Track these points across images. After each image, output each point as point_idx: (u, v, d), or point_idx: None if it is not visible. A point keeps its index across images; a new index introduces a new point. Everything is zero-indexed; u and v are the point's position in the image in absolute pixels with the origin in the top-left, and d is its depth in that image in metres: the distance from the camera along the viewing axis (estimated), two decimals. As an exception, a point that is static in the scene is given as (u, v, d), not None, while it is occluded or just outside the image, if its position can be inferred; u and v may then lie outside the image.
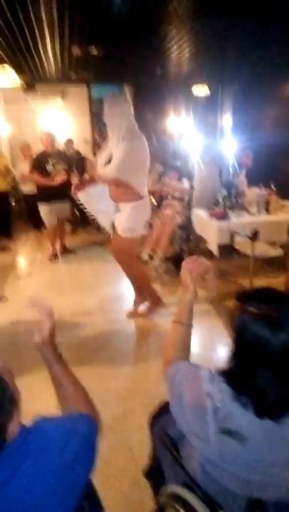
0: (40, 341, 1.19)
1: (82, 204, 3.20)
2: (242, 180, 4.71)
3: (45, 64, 7.33)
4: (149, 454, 1.68)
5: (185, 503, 1.05)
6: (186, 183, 4.52)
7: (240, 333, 0.96)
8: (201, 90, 7.65)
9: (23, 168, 5.69)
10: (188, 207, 4.49)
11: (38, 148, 5.28)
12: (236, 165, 4.88)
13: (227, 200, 3.98)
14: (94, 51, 6.53)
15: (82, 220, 6.19)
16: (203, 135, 6.97)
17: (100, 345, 3.04)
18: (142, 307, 3.45)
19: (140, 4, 4.52)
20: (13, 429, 0.85)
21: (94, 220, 3.36)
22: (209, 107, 9.07)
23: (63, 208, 5.02)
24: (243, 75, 5.43)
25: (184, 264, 1.34)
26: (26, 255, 5.48)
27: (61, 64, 7.40)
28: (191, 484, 1.08)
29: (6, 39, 5.61)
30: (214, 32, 5.68)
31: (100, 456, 0.98)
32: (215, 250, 3.75)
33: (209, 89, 7.75)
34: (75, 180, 4.34)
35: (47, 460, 0.84)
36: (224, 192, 4.02)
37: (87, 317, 3.50)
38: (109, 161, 2.87)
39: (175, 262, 4.37)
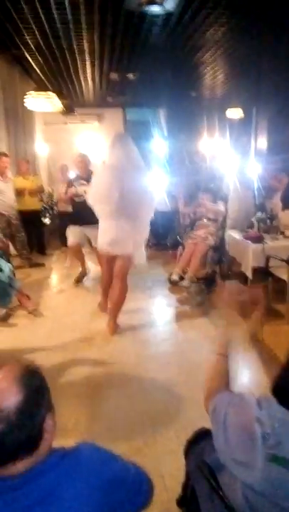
0: None
1: None
2: (276, 203, 4.65)
3: (84, 89, 7.67)
4: (182, 482, 1.64)
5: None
6: (221, 206, 4.51)
7: None
8: (235, 113, 7.71)
9: (61, 188, 5.86)
10: (222, 228, 4.47)
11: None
12: (270, 187, 4.83)
13: (262, 223, 3.94)
14: (131, 77, 6.78)
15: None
16: (237, 157, 6.98)
17: (129, 366, 3.02)
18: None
19: (177, 33, 4.68)
20: (48, 437, 0.85)
21: None
22: (243, 128, 9.10)
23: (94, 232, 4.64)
24: (279, 97, 5.44)
25: (227, 293, 1.33)
26: (59, 272, 5.60)
27: (99, 89, 7.72)
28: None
29: (50, 67, 5.94)
30: (249, 55, 5.77)
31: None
32: (249, 273, 3.69)
33: (243, 110, 7.80)
34: None
35: (86, 484, 0.83)
36: (259, 214, 3.98)
37: (118, 337, 3.51)
38: None
39: (207, 283, 4.34)
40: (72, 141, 9.12)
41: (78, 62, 5.81)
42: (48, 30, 4.42)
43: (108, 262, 3.53)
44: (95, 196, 3.41)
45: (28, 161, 5.91)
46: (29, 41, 4.78)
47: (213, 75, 6.94)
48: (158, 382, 2.77)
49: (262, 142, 6.12)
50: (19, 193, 5.55)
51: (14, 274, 4.16)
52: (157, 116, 10.08)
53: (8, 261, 4.34)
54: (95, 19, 4.13)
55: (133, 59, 5.75)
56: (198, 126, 9.22)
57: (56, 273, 5.55)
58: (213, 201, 4.61)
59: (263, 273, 3.76)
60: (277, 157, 5.05)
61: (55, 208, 6.89)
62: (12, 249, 5.44)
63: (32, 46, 4.96)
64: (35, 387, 0.84)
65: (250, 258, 3.67)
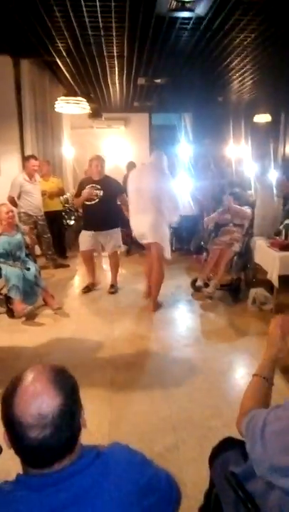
0: None
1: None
2: (304, 209, 4.56)
3: (112, 94, 7.77)
4: (204, 490, 1.62)
5: None
6: (247, 211, 4.46)
7: None
8: (262, 118, 7.62)
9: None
10: (248, 234, 4.42)
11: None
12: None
13: (289, 230, 3.86)
14: (158, 82, 6.82)
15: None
16: (264, 162, 6.89)
17: (152, 370, 3.02)
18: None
19: (207, 38, 4.68)
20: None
21: None
22: (270, 134, 8.98)
23: (108, 237, 4.53)
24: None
25: (277, 319, 1.31)
26: (83, 274, 5.66)
27: (126, 94, 7.80)
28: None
29: (79, 72, 6.05)
30: (279, 61, 5.70)
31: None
32: (275, 281, 3.62)
33: (271, 116, 7.70)
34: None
35: (118, 489, 0.82)
36: (288, 222, 3.91)
37: (141, 340, 3.51)
38: None
39: (232, 290, 4.28)
40: (98, 145, 9.24)
41: (107, 68, 5.89)
42: (79, 37, 4.51)
43: (147, 249, 4.30)
44: (132, 194, 4.05)
45: (49, 162, 5.95)
46: (61, 48, 4.89)
47: (242, 80, 6.89)
48: (181, 388, 2.75)
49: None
50: (43, 194, 5.66)
51: (40, 274, 4.24)
52: (183, 120, 10.08)
53: (35, 261, 4.44)
54: (126, 25, 4.17)
55: (161, 64, 5.78)
56: (224, 131, 9.15)
57: (80, 274, 5.62)
58: (240, 206, 4.56)
59: (289, 281, 3.69)
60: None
61: (79, 210, 6.97)
62: (37, 250, 5.55)
63: (63, 52, 5.07)
64: (70, 385, 0.84)
65: (276, 266, 3.60)
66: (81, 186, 4.48)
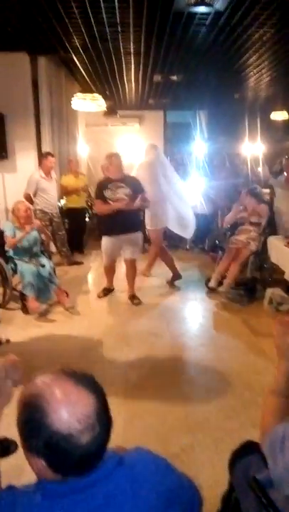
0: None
1: None
2: None
3: (127, 91, 7.74)
4: (221, 494, 1.58)
5: None
6: (264, 209, 4.38)
7: None
8: (280, 115, 7.49)
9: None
10: (265, 233, 4.34)
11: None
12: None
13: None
14: (174, 78, 6.76)
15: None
16: (281, 160, 6.77)
17: (166, 369, 2.99)
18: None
19: (225, 34, 4.60)
20: None
21: None
22: (287, 132, 8.83)
23: (130, 241, 4.11)
24: None
25: (278, 325, 1.22)
26: (97, 272, 5.66)
27: (141, 91, 7.75)
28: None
29: (95, 69, 6.04)
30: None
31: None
32: (292, 281, 3.55)
33: (288, 113, 7.56)
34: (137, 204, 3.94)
35: (142, 497, 0.79)
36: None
37: (154, 338, 3.48)
38: None
39: (247, 290, 4.22)
40: (113, 143, 9.22)
41: (123, 64, 5.86)
42: (96, 33, 4.49)
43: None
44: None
45: (77, 160, 6.07)
46: (78, 44, 4.88)
47: (259, 77, 6.77)
48: (196, 388, 2.73)
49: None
50: (70, 191, 5.72)
51: (54, 271, 4.25)
52: (198, 118, 9.99)
53: (49, 257, 4.45)
54: (143, 21, 4.14)
55: (177, 61, 5.72)
56: (240, 129, 9.03)
57: (93, 272, 5.62)
58: (256, 204, 4.48)
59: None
60: None
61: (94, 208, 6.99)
62: (52, 247, 5.57)
63: (80, 49, 5.06)
64: (95, 383, 0.82)
65: (294, 265, 3.53)
66: (102, 187, 4.02)
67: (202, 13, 4.02)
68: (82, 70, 6.06)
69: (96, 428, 0.75)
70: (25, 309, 3.98)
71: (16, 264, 3.98)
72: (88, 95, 4.97)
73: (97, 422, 0.75)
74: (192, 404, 2.53)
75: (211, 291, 4.39)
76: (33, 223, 4.14)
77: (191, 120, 10.05)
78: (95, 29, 4.36)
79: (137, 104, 8.92)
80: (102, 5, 3.72)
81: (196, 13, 4.02)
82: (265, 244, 4.31)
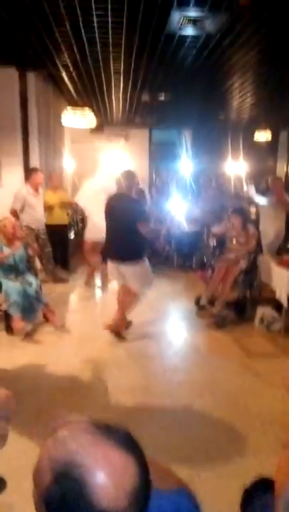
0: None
1: None
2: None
3: (114, 108, 7.79)
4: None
5: None
6: (251, 229, 4.41)
7: None
8: (263, 135, 7.69)
9: None
10: (254, 252, 4.36)
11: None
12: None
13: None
14: (161, 98, 6.87)
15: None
16: (264, 179, 6.92)
17: (160, 393, 2.89)
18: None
19: (213, 56, 4.71)
20: None
21: None
22: (269, 151, 9.07)
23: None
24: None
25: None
26: (83, 288, 5.54)
27: (128, 109, 7.83)
28: None
29: (83, 85, 6.05)
30: (281, 78, 5.77)
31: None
32: (284, 301, 3.55)
33: (271, 133, 7.79)
34: None
35: None
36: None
37: (146, 360, 3.38)
38: None
39: (237, 309, 4.20)
40: (98, 159, 9.22)
41: (112, 83, 5.90)
42: (87, 52, 4.50)
43: None
44: None
45: (60, 175, 5.94)
46: (68, 61, 4.87)
47: (244, 99, 6.96)
48: (193, 413, 2.63)
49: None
50: (49, 207, 5.58)
51: (41, 289, 4.12)
52: (183, 137, 10.16)
53: (36, 275, 4.32)
54: (135, 41, 4.18)
55: (166, 81, 5.81)
56: (224, 148, 9.23)
57: (80, 289, 5.49)
58: (243, 224, 4.50)
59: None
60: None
61: (80, 223, 6.89)
62: (38, 264, 5.41)
63: (70, 66, 5.06)
64: (136, 444, 0.66)
65: (285, 285, 3.53)
66: None
67: (193, 36, 4.10)
68: (70, 86, 6.05)
69: (140, 501, 0.61)
70: (9, 330, 3.81)
71: (0, 283, 3.83)
72: (78, 110, 4.95)
73: (141, 493, 0.61)
74: (191, 432, 2.44)
75: (201, 310, 4.34)
76: (20, 237, 4.01)
77: (176, 139, 10.22)
78: (87, 47, 4.37)
79: (123, 121, 8.99)
80: (96, 24, 3.74)
81: (187, 36, 4.09)
82: (254, 262, 4.32)
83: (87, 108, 5.04)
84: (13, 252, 3.86)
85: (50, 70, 5.29)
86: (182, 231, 6.28)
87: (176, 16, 3.57)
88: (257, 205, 5.64)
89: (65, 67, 5.10)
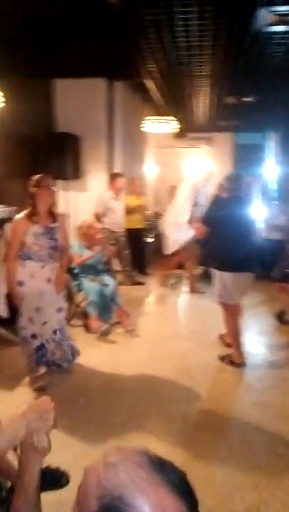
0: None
1: None
2: None
3: (197, 113, 7.73)
4: None
5: None
6: None
7: None
8: None
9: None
10: None
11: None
12: None
13: None
14: (247, 100, 6.61)
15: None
16: None
17: (232, 410, 2.73)
18: None
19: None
20: None
21: None
22: None
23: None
24: None
25: None
26: (159, 293, 5.56)
27: (212, 113, 7.69)
28: None
29: (168, 93, 6.10)
30: None
31: None
32: None
33: None
34: None
35: None
36: None
37: (218, 374, 3.24)
38: None
39: None
40: (180, 164, 9.24)
41: (196, 87, 5.85)
42: (172, 58, 4.53)
43: None
44: None
45: (141, 181, 6.12)
46: (152, 69, 4.96)
47: None
48: (263, 437, 2.43)
49: None
50: (130, 211, 5.76)
51: (117, 290, 4.23)
52: (269, 139, 9.66)
53: (113, 276, 4.45)
54: (220, 43, 4.08)
55: (251, 82, 5.58)
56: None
57: (156, 293, 5.52)
58: None
59: None
60: None
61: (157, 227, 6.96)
62: (116, 265, 5.60)
63: (154, 74, 5.14)
64: (192, 492, 0.59)
65: None
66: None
67: (283, 32, 3.86)
68: (155, 94, 6.17)
69: None
70: (87, 328, 3.98)
71: (81, 282, 4.03)
72: (160, 118, 5.01)
73: None
74: (259, 457, 2.25)
75: (283, 325, 4.03)
76: (100, 240, 4.18)
77: (262, 142, 9.75)
78: (171, 54, 4.39)
79: (205, 126, 8.87)
80: (180, 29, 3.74)
81: (275, 33, 3.87)
82: None
83: (169, 117, 5.08)
84: (92, 255, 4.04)
85: (136, 78, 5.45)
86: (264, 239, 5.93)
87: (262, 13, 3.39)
88: None
89: (150, 74, 5.21)
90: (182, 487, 0.56)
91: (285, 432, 2.46)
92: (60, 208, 4.99)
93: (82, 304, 4.01)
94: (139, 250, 6.25)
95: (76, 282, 4.04)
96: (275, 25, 3.68)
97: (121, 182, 5.22)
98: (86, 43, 4.13)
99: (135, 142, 6.62)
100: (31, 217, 2.75)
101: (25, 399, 2.75)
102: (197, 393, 2.90)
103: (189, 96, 6.35)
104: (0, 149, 4.37)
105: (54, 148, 4.96)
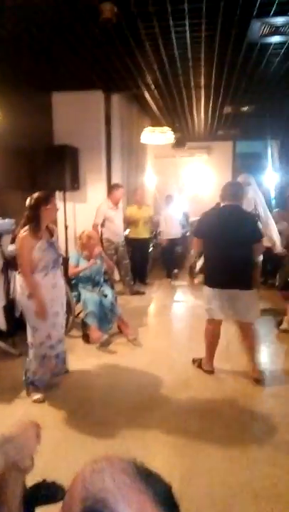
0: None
1: None
2: None
3: (196, 123, 7.79)
4: None
5: None
6: None
7: None
8: None
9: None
10: None
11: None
12: None
13: None
14: (245, 109, 6.66)
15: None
16: None
17: (232, 422, 2.69)
18: None
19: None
20: None
21: None
22: None
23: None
24: None
25: None
26: (159, 302, 5.55)
27: (210, 122, 7.76)
28: None
29: (165, 103, 6.17)
30: None
31: None
32: None
33: None
34: None
35: None
36: None
37: (217, 384, 3.20)
38: None
39: None
40: (180, 174, 9.29)
41: (193, 98, 5.92)
42: (168, 69, 4.59)
43: None
44: None
45: (144, 191, 6.15)
46: (149, 81, 5.03)
47: None
48: (263, 448, 2.38)
49: None
50: (134, 221, 5.79)
51: (116, 301, 4.22)
52: (270, 148, 9.70)
53: (112, 287, 4.44)
54: (215, 54, 4.13)
55: (249, 91, 5.63)
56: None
57: (156, 303, 5.51)
58: None
59: None
60: None
61: (158, 237, 6.97)
62: (116, 275, 5.60)
63: (151, 85, 5.21)
64: (175, 504, 0.57)
65: None
66: None
67: (276, 43, 3.91)
68: (152, 104, 6.23)
69: None
70: (86, 338, 3.96)
71: (79, 293, 4.02)
72: (157, 128, 5.06)
73: None
74: (258, 467, 2.21)
75: (283, 333, 4.00)
76: (97, 252, 4.18)
77: (261, 150, 9.79)
78: (167, 66, 4.46)
79: (205, 135, 8.94)
80: (175, 42, 3.79)
81: (270, 44, 3.92)
82: None
83: (165, 126, 5.13)
84: (87, 267, 4.04)
85: (132, 90, 5.52)
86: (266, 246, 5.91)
87: (257, 25, 3.44)
88: None
89: (147, 86, 5.27)
90: (166, 499, 0.56)
91: (286, 445, 2.41)
92: (60, 219, 5.04)
93: (81, 315, 4.00)
94: (142, 260, 6.26)
95: (75, 293, 4.04)
96: (269, 36, 3.73)
97: (119, 192, 5.25)
98: (83, 56, 4.19)
99: (134, 152, 6.66)
100: (36, 233, 2.78)
101: (23, 411, 2.74)
102: (198, 404, 2.87)
103: (186, 106, 6.41)
104: (-1, 162, 4.42)
105: (53, 161, 5.00)
